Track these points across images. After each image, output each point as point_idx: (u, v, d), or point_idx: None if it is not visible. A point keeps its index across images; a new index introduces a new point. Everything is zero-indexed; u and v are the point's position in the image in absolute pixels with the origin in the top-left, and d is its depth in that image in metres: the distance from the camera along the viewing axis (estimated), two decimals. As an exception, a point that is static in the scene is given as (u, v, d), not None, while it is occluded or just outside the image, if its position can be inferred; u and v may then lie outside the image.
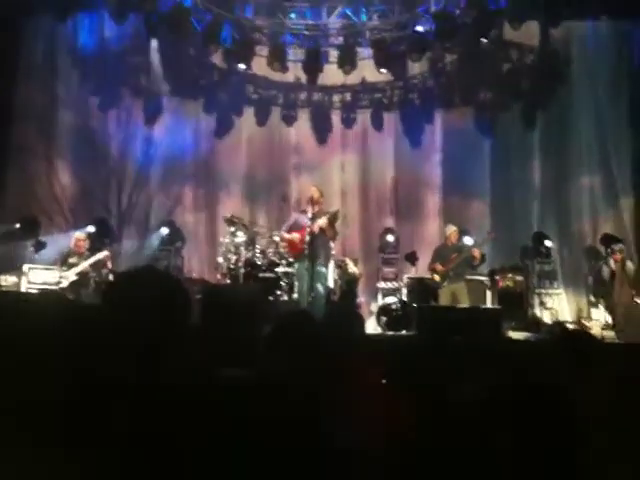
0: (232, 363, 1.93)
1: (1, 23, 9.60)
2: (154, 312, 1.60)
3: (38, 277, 8.33)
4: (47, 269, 8.48)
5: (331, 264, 8.08)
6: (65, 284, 8.05)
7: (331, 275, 8.29)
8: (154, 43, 10.43)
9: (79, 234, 8.52)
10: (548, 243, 10.06)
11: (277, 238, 8.49)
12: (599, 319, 8.92)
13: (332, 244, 7.87)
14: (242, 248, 8.47)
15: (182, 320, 1.67)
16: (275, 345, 2.03)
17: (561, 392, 1.90)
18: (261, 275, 8.34)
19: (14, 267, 8.58)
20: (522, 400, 1.85)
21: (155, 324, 1.59)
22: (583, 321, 8.85)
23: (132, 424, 1.45)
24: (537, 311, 9.63)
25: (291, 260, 8.04)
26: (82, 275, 8.16)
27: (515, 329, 8.41)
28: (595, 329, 8.47)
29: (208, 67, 10.85)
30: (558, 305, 9.78)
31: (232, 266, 8.45)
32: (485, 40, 9.64)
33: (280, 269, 8.38)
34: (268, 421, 1.58)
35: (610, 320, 8.52)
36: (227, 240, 8.75)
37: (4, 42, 9.93)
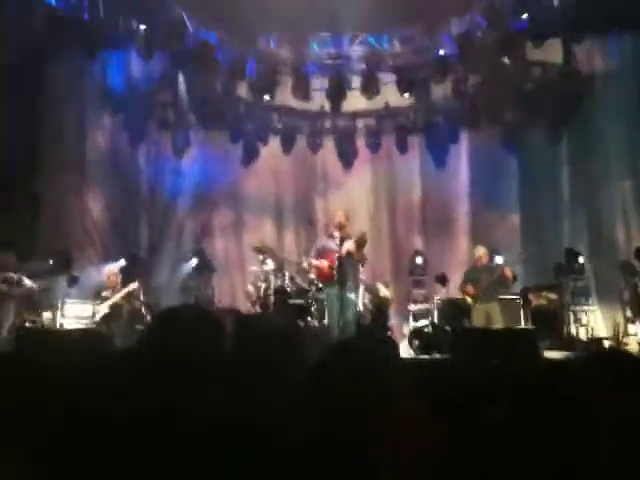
0: (267, 392, 1.95)
1: (32, 60, 9.88)
2: (194, 351, 1.62)
3: (72, 311, 8.47)
4: (81, 303, 8.62)
5: (361, 288, 8.07)
6: (98, 317, 8.18)
7: (361, 299, 8.28)
8: (181, 78, 10.67)
9: (110, 268, 8.67)
10: (581, 259, 9.91)
11: (306, 265, 8.52)
12: (637, 335, 8.72)
13: (361, 268, 7.86)
14: (271, 276, 8.54)
15: (219, 355, 1.70)
16: (317, 375, 2.04)
17: (597, 411, 1.88)
18: (291, 302, 8.36)
19: (50, 303, 8.73)
20: (556, 421, 1.82)
21: (195, 363, 1.61)
22: (620, 337, 8.65)
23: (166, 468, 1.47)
24: (572, 329, 9.46)
25: (320, 287, 8.05)
26: (114, 308, 8.28)
27: (551, 348, 8.27)
28: (632, 345, 8.29)
29: (234, 99, 11.04)
30: (594, 322, 9.60)
31: (262, 294, 8.50)
32: (508, 60, 9.67)
33: (310, 295, 8.39)
34: (312, 452, 1.59)
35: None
36: (256, 268, 8.82)
37: (35, 79, 10.22)
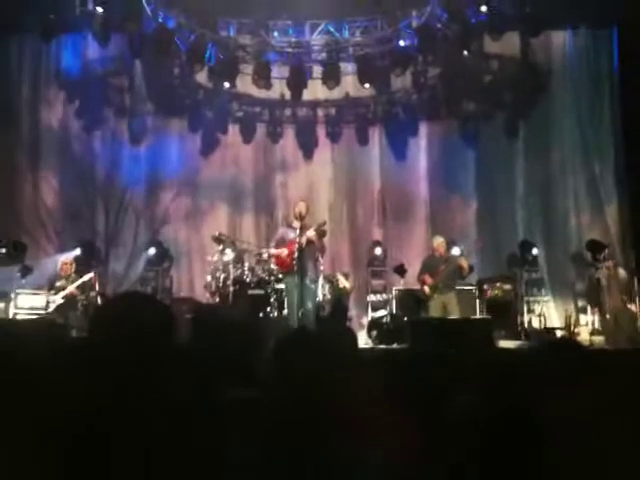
0: (225, 383, 1.93)
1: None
2: (141, 337, 1.61)
3: (25, 302, 8.29)
4: (34, 294, 8.44)
5: (320, 279, 8.08)
6: (52, 308, 8.01)
7: (320, 290, 8.29)
8: (138, 63, 10.46)
9: (65, 258, 8.51)
10: (534, 251, 10.14)
11: (265, 255, 8.48)
12: (587, 325, 8.99)
13: (321, 259, 7.87)
14: (230, 266, 8.47)
15: (168, 343, 1.68)
16: (274, 366, 2.04)
17: (549, 401, 1.92)
18: (250, 292, 8.32)
19: (1, 292, 8.52)
20: (511, 413, 1.86)
21: (142, 349, 1.60)
22: (572, 327, 8.89)
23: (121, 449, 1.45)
24: (526, 319, 9.68)
25: (280, 277, 8.03)
26: (69, 298, 8.13)
27: (505, 338, 8.44)
28: (584, 335, 8.53)
29: (193, 86, 10.88)
30: (547, 312, 9.84)
31: (221, 284, 8.44)
32: (467, 53, 9.76)
33: (269, 286, 8.37)
34: (268, 441, 1.58)
35: (599, 326, 8.58)
36: (215, 259, 8.74)
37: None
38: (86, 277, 8.25)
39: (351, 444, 1.63)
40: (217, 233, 9.05)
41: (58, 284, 8.19)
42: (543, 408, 1.83)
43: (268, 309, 8.26)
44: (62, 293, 8.11)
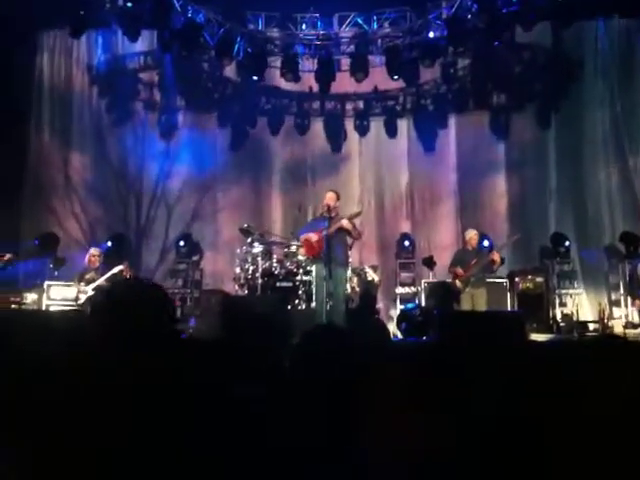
0: (252, 375, 1.93)
1: (18, 38, 9.76)
2: (133, 317, 1.63)
3: (58, 293, 8.40)
4: (66, 285, 8.55)
5: (349, 270, 8.02)
6: (83, 299, 8.10)
7: (349, 281, 8.26)
8: (167, 58, 10.55)
9: (93, 250, 8.57)
10: (567, 243, 9.99)
11: (294, 247, 8.48)
12: (621, 318, 8.83)
13: (350, 251, 7.83)
14: (259, 258, 8.50)
15: (160, 322, 1.70)
16: (300, 359, 2.03)
17: (584, 394, 1.88)
18: (278, 284, 8.34)
19: (35, 284, 8.66)
20: (543, 408, 1.82)
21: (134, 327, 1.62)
22: (605, 320, 8.74)
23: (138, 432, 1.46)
24: (558, 312, 9.55)
25: (308, 269, 8.03)
26: (98, 290, 8.19)
27: (537, 331, 8.34)
28: (617, 328, 8.39)
29: (221, 80, 10.94)
30: (579, 305, 9.69)
31: (250, 276, 8.47)
32: (497, 43, 9.64)
33: (297, 278, 8.38)
34: (292, 434, 1.58)
35: (636, 318, 8.44)
36: (244, 251, 8.78)
37: (22, 57, 10.11)
38: (116, 269, 8.31)
39: (380, 440, 1.61)
40: (245, 225, 9.08)
41: (87, 276, 8.27)
42: (575, 404, 1.80)
43: (296, 301, 8.27)
44: (92, 285, 8.19)
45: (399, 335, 8.39)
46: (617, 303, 9.24)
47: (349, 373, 1.84)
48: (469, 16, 9.45)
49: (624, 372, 2.01)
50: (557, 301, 9.68)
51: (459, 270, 8.25)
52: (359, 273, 8.95)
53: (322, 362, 1.88)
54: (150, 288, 1.87)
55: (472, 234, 8.50)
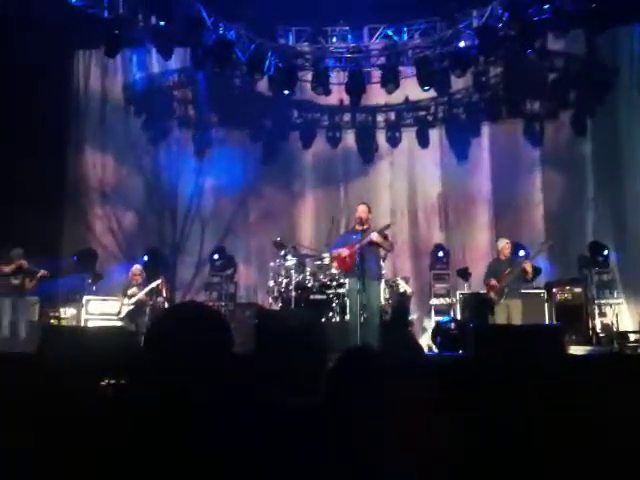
0: (286, 389, 1.93)
1: (56, 57, 10.03)
2: (195, 347, 1.62)
3: (96, 308, 8.60)
4: (105, 300, 8.74)
5: (382, 282, 8.01)
6: (124, 314, 8.27)
7: (382, 293, 8.23)
8: (200, 75, 10.72)
9: (135, 268, 8.73)
10: (605, 252, 9.78)
11: (327, 260, 8.50)
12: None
13: (382, 263, 7.81)
14: (292, 271, 8.52)
15: (223, 352, 1.69)
16: (336, 381, 2.02)
17: (620, 413, 1.84)
18: (312, 297, 8.35)
19: (74, 299, 8.85)
20: (581, 425, 1.79)
21: (196, 360, 1.62)
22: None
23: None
24: (597, 322, 9.34)
25: (342, 281, 8.02)
26: (139, 304, 8.38)
27: (576, 343, 8.18)
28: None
29: (253, 96, 11.06)
30: (619, 315, 9.46)
31: (283, 289, 8.51)
32: (529, 51, 9.55)
33: (331, 291, 8.38)
34: (326, 454, 1.57)
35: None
36: (277, 264, 8.83)
37: (59, 76, 10.39)
38: (154, 283, 8.48)
39: (411, 461, 1.60)
40: (278, 238, 9.13)
41: (129, 292, 8.45)
42: (614, 420, 1.76)
43: (330, 314, 8.26)
44: (133, 299, 8.36)
45: (434, 348, 8.33)
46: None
47: (381, 396, 1.82)
48: (500, 25, 9.38)
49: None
50: (596, 312, 9.47)
51: (493, 281, 8.14)
52: (391, 285, 8.91)
53: (355, 387, 1.86)
54: (211, 314, 1.85)
55: (504, 243, 8.40)
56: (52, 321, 8.12)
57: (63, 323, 8.27)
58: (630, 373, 2.08)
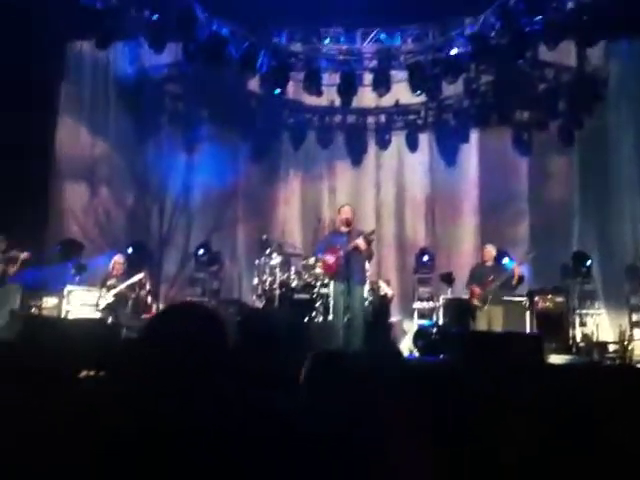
0: (265, 387, 1.94)
1: (45, 49, 9.93)
2: (190, 347, 1.62)
3: (78, 299, 8.54)
4: (87, 290, 8.68)
5: (366, 285, 8.06)
6: (103, 305, 8.22)
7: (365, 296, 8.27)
8: (192, 71, 10.67)
9: (117, 257, 8.70)
10: (588, 262, 9.87)
11: (312, 260, 8.52)
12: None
13: (367, 265, 7.86)
14: (277, 270, 8.53)
15: (218, 354, 1.69)
16: (311, 382, 2.03)
17: (600, 421, 1.86)
18: (296, 297, 8.36)
19: (56, 289, 8.79)
20: (560, 433, 1.81)
21: (191, 359, 1.61)
22: (625, 342, 8.62)
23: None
24: (578, 332, 9.42)
25: (326, 282, 8.05)
26: (119, 296, 8.32)
27: (556, 352, 8.24)
28: (638, 350, 8.26)
29: (245, 94, 11.03)
30: (600, 326, 9.55)
31: (267, 287, 8.51)
32: (521, 61, 9.62)
33: (315, 291, 8.39)
34: (304, 452, 1.58)
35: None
36: (262, 262, 8.83)
37: (49, 68, 10.30)
38: (136, 277, 8.44)
39: (387, 469, 1.60)
40: (264, 237, 9.14)
41: (109, 282, 8.39)
42: (593, 430, 1.78)
43: (313, 314, 8.27)
44: (114, 291, 8.30)
45: (415, 352, 8.38)
46: (638, 324, 9.10)
47: (363, 398, 1.83)
48: (492, 33, 9.44)
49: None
50: (577, 321, 9.56)
51: (476, 288, 8.20)
52: (373, 287, 8.94)
53: (333, 387, 1.86)
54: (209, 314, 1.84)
55: (489, 250, 8.49)
56: (33, 310, 8.05)
57: (44, 313, 8.20)
58: (609, 383, 2.10)
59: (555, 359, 7.51)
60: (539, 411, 2.09)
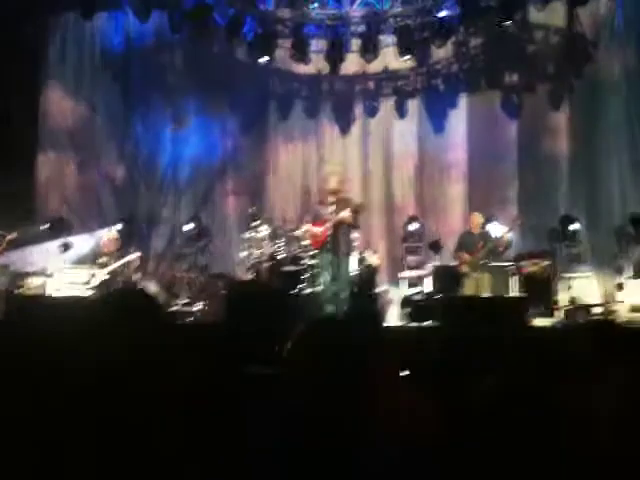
0: (255, 358, 1.99)
1: (29, 21, 9.79)
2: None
3: (65, 277, 8.31)
4: (74, 268, 8.52)
5: (353, 254, 8.10)
6: (95, 283, 8.07)
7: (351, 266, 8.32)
8: (178, 40, 10.51)
9: (110, 234, 8.55)
10: (575, 225, 9.87)
11: (300, 232, 8.54)
12: (625, 301, 8.70)
13: (355, 234, 7.91)
14: (265, 242, 8.56)
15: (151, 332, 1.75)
16: (299, 350, 2.06)
17: (582, 382, 1.89)
18: (284, 269, 8.40)
19: (42, 268, 8.67)
20: (541, 393, 1.82)
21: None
22: (609, 304, 8.67)
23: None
24: (564, 295, 9.47)
25: (313, 253, 8.10)
26: (113, 274, 8.13)
27: (541, 315, 8.34)
28: (623, 312, 8.33)
29: (232, 63, 10.89)
30: (587, 288, 9.59)
31: (255, 260, 8.55)
32: (510, 23, 9.50)
33: (303, 262, 8.43)
34: (291, 419, 1.63)
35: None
36: (250, 235, 8.85)
37: (33, 40, 10.15)
38: (132, 256, 8.28)
39: (375, 428, 1.62)
40: (252, 209, 9.14)
41: (100, 260, 8.26)
42: (576, 391, 1.81)
43: (302, 285, 8.32)
44: (107, 269, 8.09)
45: (402, 320, 8.48)
46: (623, 286, 9.15)
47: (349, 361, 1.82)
48: (481, -6, 9.32)
49: (619, 357, 2.03)
50: (565, 285, 9.60)
51: (464, 255, 8.26)
52: (359, 258, 8.97)
53: (323, 351, 1.87)
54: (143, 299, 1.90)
55: (476, 217, 8.51)
56: (19, 290, 8.01)
57: (31, 292, 8.12)
58: (592, 342, 2.14)
59: (540, 322, 7.63)
60: (519, 369, 2.14)
